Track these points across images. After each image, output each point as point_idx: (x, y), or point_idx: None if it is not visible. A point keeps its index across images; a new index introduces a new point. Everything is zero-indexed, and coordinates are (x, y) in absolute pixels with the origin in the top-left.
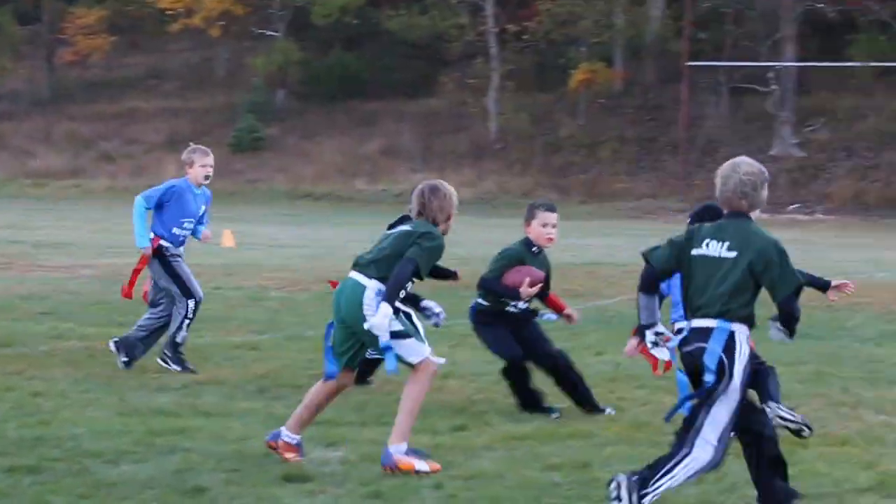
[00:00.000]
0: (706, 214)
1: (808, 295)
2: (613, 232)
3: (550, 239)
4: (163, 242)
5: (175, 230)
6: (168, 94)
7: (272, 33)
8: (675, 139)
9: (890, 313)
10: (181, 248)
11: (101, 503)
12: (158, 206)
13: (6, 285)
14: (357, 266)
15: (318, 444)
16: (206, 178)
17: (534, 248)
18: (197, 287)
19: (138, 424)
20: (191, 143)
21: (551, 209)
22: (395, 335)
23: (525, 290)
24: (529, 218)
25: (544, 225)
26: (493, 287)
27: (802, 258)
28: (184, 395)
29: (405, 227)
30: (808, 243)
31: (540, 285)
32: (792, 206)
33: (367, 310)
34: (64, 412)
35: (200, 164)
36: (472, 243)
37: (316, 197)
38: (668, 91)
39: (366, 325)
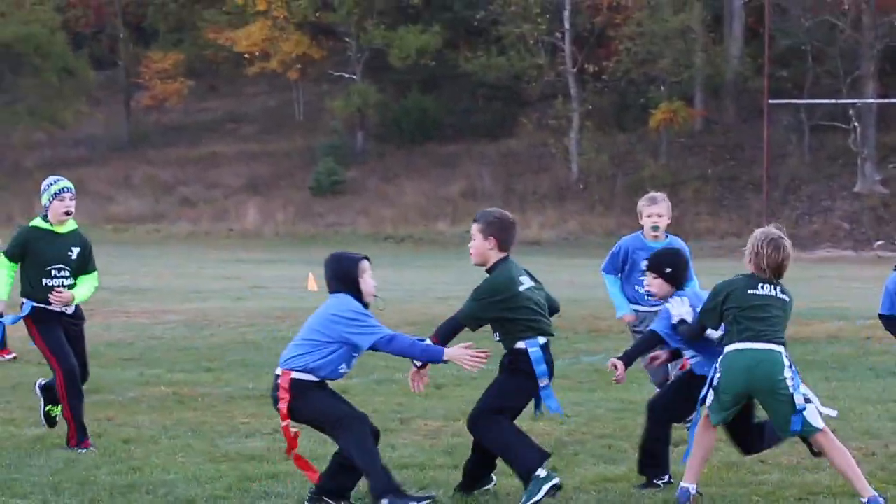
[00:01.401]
0: None
1: None
2: (699, 270)
3: None
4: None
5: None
6: (247, 138)
7: (350, 76)
8: (757, 177)
9: None
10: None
11: None
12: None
13: (92, 332)
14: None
15: (409, 488)
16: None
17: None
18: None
19: (230, 470)
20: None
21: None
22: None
23: None
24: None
25: None
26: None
27: None
28: (274, 439)
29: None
30: None
31: None
32: (877, 243)
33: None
34: (154, 458)
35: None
36: (556, 284)
37: (397, 240)
38: (749, 129)
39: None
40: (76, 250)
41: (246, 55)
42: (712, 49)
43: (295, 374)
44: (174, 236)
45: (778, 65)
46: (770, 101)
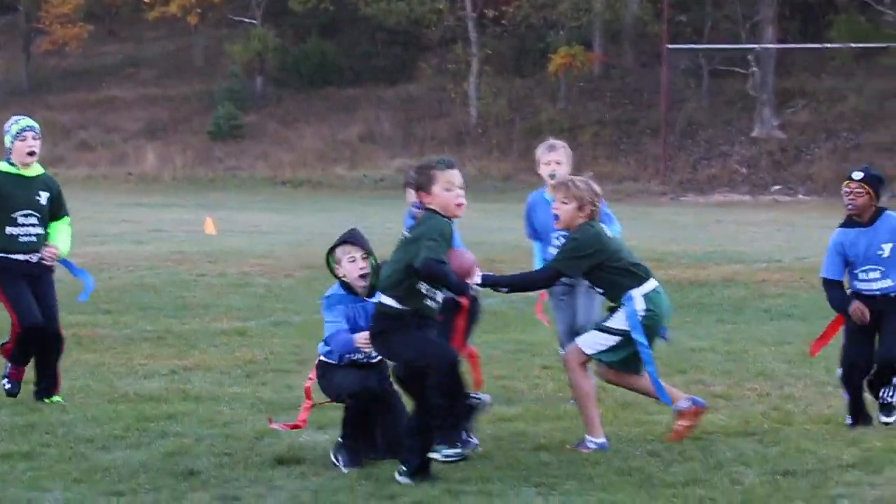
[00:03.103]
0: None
1: (790, 276)
2: None
3: (461, 205)
4: None
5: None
6: (146, 82)
7: (249, 21)
8: (656, 122)
9: None
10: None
11: (95, 488)
12: None
13: None
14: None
15: (309, 428)
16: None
17: (448, 219)
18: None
19: (129, 410)
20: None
21: (452, 166)
22: None
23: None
24: (427, 183)
25: (448, 189)
26: (442, 273)
27: (786, 239)
28: (172, 380)
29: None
30: (790, 224)
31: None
32: (774, 188)
33: None
34: (53, 398)
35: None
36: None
37: (296, 184)
38: (648, 74)
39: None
40: (45, 195)
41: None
42: None
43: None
44: (73, 180)
45: (677, 9)
46: (669, 46)
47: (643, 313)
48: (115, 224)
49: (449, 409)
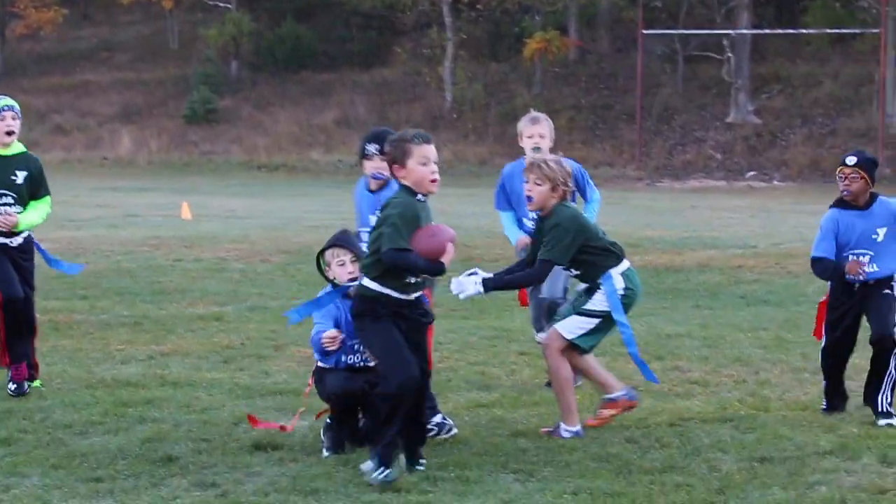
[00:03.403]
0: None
1: (766, 261)
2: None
3: (436, 181)
4: None
5: None
6: (121, 66)
7: (224, 5)
8: (631, 107)
9: None
10: None
11: (73, 474)
12: None
13: None
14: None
15: (286, 413)
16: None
17: (419, 198)
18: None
19: (106, 396)
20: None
21: (429, 140)
22: None
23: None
24: (402, 156)
25: (424, 164)
26: (405, 261)
27: (761, 225)
28: (149, 366)
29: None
30: (765, 210)
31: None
32: (749, 174)
33: None
34: (31, 384)
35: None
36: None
37: (271, 168)
38: (623, 59)
39: None
40: (22, 174)
41: None
42: None
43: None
44: (47, 164)
45: None
46: (644, 31)
47: (622, 292)
48: (90, 209)
49: (388, 420)
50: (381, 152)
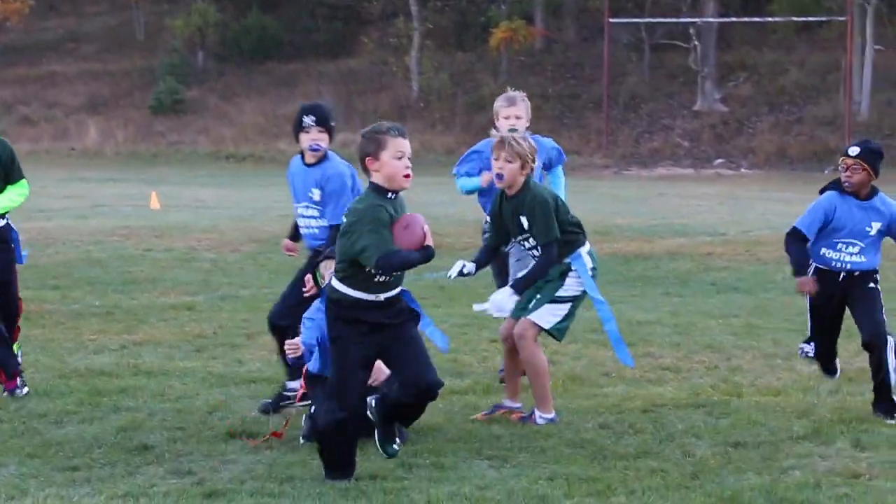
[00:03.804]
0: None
1: (735, 248)
2: None
3: (409, 176)
4: None
5: None
6: (87, 57)
7: None
8: (598, 96)
9: None
10: None
11: (49, 463)
12: None
13: None
14: None
15: (259, 401)
16: None
17: (389, 195)
18: None
19: (80, 385)
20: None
21: (404, 134)
22: None
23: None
24: (376, 149)
25: (399, 157)
26: (401, 262)
27: (730, 213)
28: (122, 355)
29: None
30: (733, 198)
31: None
32: (716, 161)
33: None
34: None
35: None
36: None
37: (238, 158)
38: (589, 48)
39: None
40: None
41: None
42: None
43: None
44: None
45: None
46: (610, 20)
47: (591, 273)
48: (59, 199)
49: (322, 434)
50: (318, 123)
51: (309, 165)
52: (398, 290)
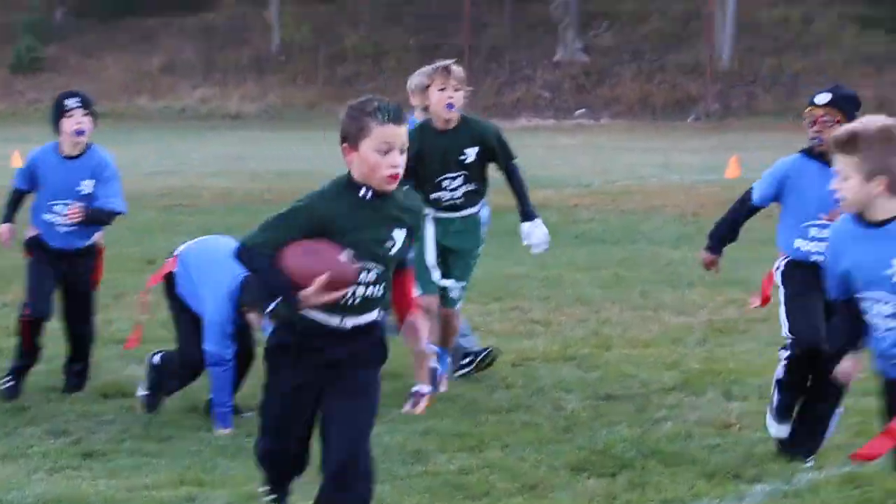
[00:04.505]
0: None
1: (601, 200)
2: None
3: (395, 177)
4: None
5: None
6: None
7: None
8: (459, 47)
9: (684, 216)
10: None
11: None
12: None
13: None
14: None
15: (131, 361)
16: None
17: (362, 193)
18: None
19: None
20: None
21: (399, 120)
22: None
23: (315, 296)
24: (356, 134)
25: (386, 151)
26: (256, 267)
27: (594, 163)
28: None
29: None
30: (597, 147)
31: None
32: (578, 112)
33: None
34: None
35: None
36: (260, 158)
37: (100, 115)
38: None
39: None
40: None
41: None
42: None
43: None
44: None
45: None
46: None
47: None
48: None
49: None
50: (83, 106)
51: (71, 158)
52: (373, 316)
